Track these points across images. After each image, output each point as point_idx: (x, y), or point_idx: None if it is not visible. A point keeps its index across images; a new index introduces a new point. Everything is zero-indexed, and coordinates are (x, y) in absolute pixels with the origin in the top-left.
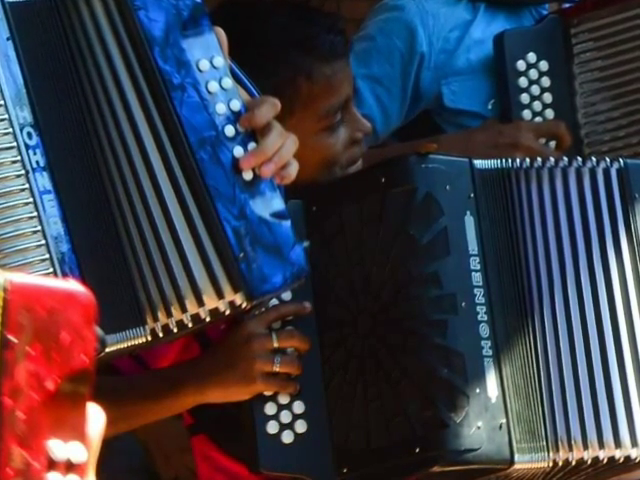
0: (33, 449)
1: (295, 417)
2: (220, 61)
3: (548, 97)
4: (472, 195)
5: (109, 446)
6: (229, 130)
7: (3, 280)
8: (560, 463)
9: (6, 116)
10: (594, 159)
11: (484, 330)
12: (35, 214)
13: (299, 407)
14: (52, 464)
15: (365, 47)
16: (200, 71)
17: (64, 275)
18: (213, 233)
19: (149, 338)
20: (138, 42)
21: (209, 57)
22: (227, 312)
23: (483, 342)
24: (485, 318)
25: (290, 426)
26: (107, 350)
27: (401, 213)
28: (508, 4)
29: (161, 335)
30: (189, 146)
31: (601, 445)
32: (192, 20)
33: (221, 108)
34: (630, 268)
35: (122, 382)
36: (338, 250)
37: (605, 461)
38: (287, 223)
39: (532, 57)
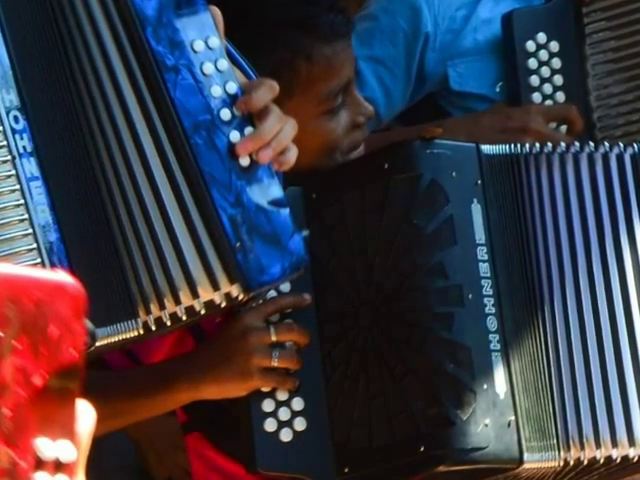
0: (20, 448)
1: (294, 414)
2: (216, 42)
3: (559, 79)
4: (479, 182)
5: (99, 444)
6: (225, 114)
7: None
8: (571, 462)
9: None
10: (607, 144)
11: (492, 323)
12: (22, 202)
13: (298, 404)
14: (40, 463)
15: (368, 27)
16: (195, 52)
17: (52, 265)
18: (208, 222)
19: (141, 331)
20: (130, 22)
21: (204, 37)
22: (223, 304)
23: (491, 336)
24: (493, 310)
25: (289, 424)
26: (97, 344)
27: (405, 201)
28: None
29: (154, 328)
30: (183, 130)
31: (614, 443)
32: None
33: (217, 91)
34: None
35: (113, 378)
36: (339, 239)
37: (618, 460)
38: (286, 211)
39: (542, 37)
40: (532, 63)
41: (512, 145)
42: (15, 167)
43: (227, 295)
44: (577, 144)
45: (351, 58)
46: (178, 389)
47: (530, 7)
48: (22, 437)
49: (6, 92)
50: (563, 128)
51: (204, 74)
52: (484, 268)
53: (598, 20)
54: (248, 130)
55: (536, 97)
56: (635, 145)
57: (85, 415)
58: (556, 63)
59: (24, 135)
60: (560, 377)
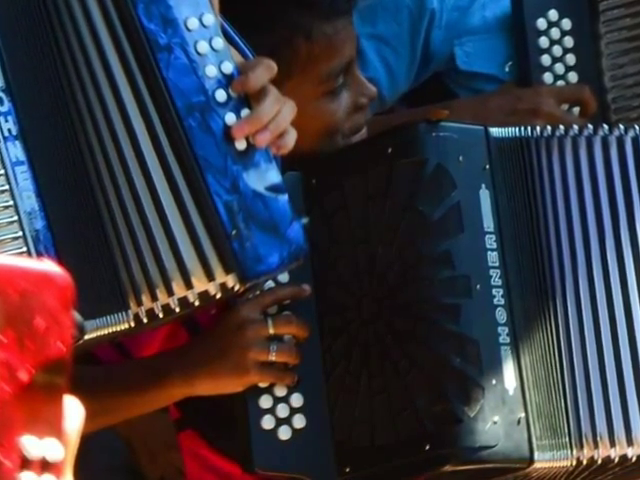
0: (4, 446)
1: (293, 411)
2: (210, 19)
3: (571, 59)
4: (487, 166)
5: (88, 443)
6: (220, 95)
7: None
8: (584, 462)
9: None
10: (622, 127)
11: (501, 315)
12: (7, 187)
13: (297, 400)
14: (25, 463)
15: (370, 4)
16: (188, 30)
17: (39, 254)
18: (203, 208)
19: (132, 324)
20: None
21: (198, 15)
22: (218, 295)
23: (500, 328)
24: (502, 302)
25: (287, 421)
26: (86, 337)
27: (409, 186)
28: None
29: (145, 321)
30: (176, 112)
31: (629, 442)
32: None
33: (211, 71)
34: None
35: (102, 372)
36: (340, 227)
37: (634, 459)
38: (284, 197)
39: (554, 15)
40: (543, 42)
41: (522, 128)
42: None
43: (222, 286)
44: (590, 127)
45: (352, 36)
46: (171, 384)
47: None
48: (7, 435)
49: None
50: (576, 110)
51: (198, 53)
52: (493, 257)
53: None
54: (244, 112)
55: (547, 77)
56: None
57: (73, 412)
58: (568, 42)
59: (9, 117)
60: (573, 372)
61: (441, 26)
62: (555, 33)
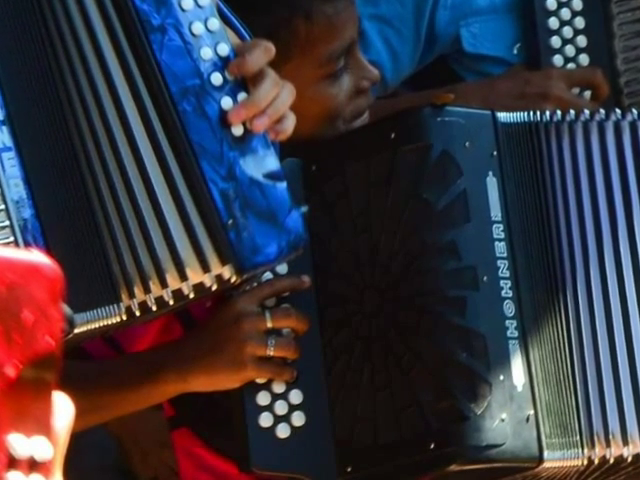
0: None
1: (292, 408)
2: None
3: (582, 40)
4: (495, 153)
5: (78, 441)
6: (216, 78)
7: None
8: (596, 461)
9: None
10: (635, 111)
11: (509, 308)
12: None
13: (296, 397)
14: (13, 462)
15: None
16: (183, 10)
17: (26, 245)
18: (197, 196)
19: (124, 317)
20: None
21: None
22: (214, 287)
23: (508, 322)
24: (510, 294)
25: (286, 419)
26: (76, 331)
27: (413, 174)
28: None
29: (138, 314)
30: (170, 96)
31: None
32: None
33: (207, 53)
34: None
35: (93, 368)
36: (341, 216)
37: None
38: (282, 185)
39: None
40: (553, 22)
41: (531, 113)
42: None
43: (218, 277)
44: (602, 111)
45: (354, 17)
46: (164, 380)
47: None
48: None
49: None
50: (587, 94)
51: (193, 35)
52: (500, 248)
53: None
54: (241, 96)
55: (557, 60)
56: None
57: (63, 409)
58: (579, 22)
59: None
60: (584, 367)
61: (446, 6)
62: (565, 14)
